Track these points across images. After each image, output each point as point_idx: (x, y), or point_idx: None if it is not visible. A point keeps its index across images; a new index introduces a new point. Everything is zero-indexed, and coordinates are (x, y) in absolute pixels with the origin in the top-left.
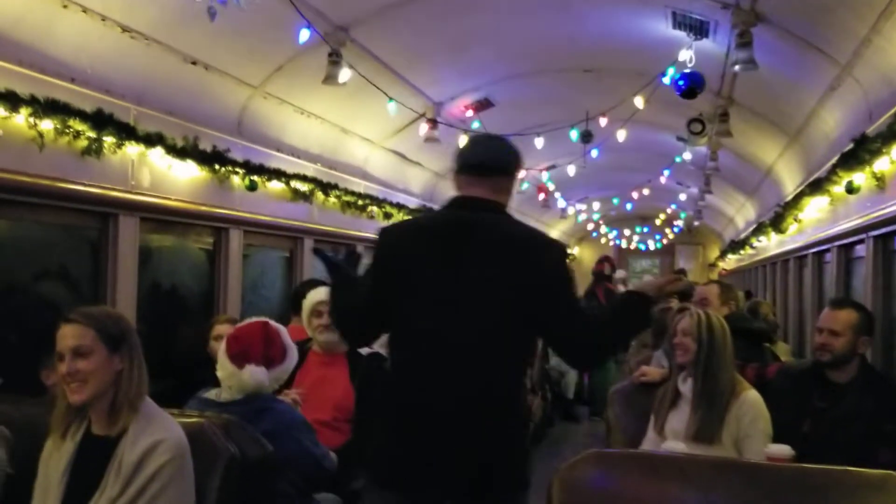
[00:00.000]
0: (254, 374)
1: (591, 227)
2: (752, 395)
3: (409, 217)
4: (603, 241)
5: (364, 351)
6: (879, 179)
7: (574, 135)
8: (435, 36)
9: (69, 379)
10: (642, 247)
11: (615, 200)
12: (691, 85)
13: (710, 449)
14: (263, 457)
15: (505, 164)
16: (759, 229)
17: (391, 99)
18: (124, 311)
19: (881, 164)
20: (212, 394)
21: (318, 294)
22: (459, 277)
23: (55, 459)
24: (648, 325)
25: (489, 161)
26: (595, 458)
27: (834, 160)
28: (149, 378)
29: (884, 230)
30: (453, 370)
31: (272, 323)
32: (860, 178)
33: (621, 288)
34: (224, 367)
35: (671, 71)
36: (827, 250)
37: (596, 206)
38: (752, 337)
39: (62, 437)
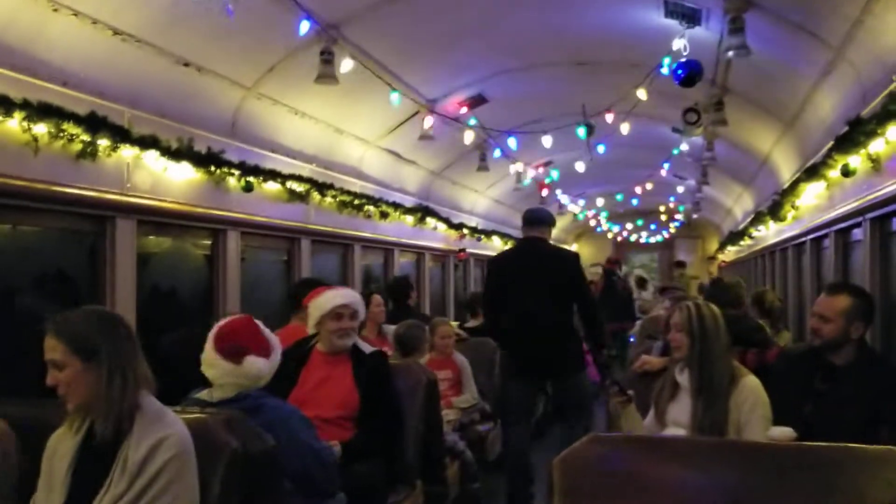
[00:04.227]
0: (255, 363)
1: (593, 222)
2: (750, 381)
3: (405, 210)
4: (609, 235)
5: (366, 349)
6: (875, 161)
7: (582, 132)
8: (425, 33)
9: (54, 388)
10: (648, 241)
11: (619, 197)
12: (690, 73)
13: None
14: (266, 450)
15: (545, 219)
16: (758, 219)
17: (394, 90)
18: (123, 313)
19: (876, 146)
20: (203, 394)
21: (338, 297)
22: (532, 275)
23: (59, 456)
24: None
25: (538, 218)
26: (595, 441)
27: (830, 144)
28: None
29: (880, 211)
30: (536, 319)
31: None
32: (856, 160)
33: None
34: (216, 366)
35: (667, 61)
36: (825, 236)
37: (600, 202)
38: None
39: (74, 431)
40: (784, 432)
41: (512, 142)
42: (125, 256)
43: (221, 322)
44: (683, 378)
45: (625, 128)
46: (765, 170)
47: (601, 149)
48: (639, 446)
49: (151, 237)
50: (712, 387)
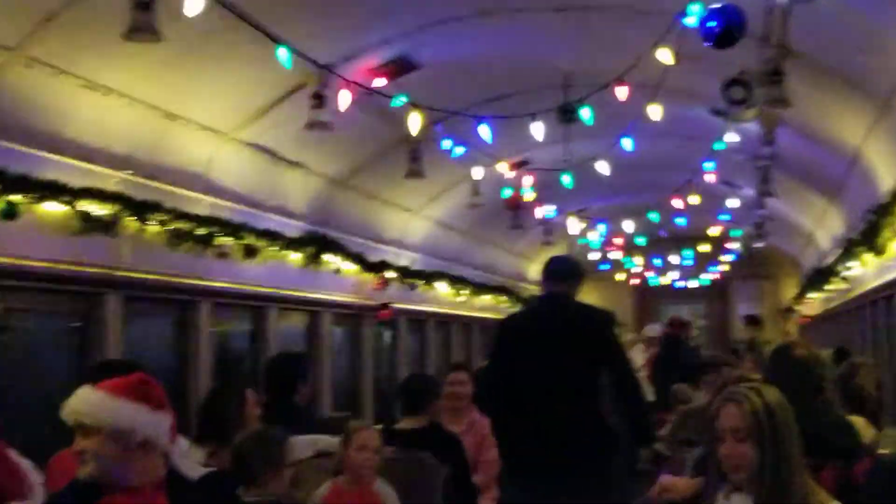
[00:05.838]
0: None
1: (597, 255)
2: None
3: (287, 243)
4: (619, 277)
5: (195, 474)
6: None
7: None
8: None
9: None
10: (684, 286)
11: (650, 215)
12: (727, 27)
13: None
14: None
15: (572, 272)
16: (849, 250)
17: (280, 44)
18: None
19: None
20: None
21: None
22: (552, 346)
23: None
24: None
25: (564, 271)
26: None
27: None
28: None
29: None
30: (554, 407)
31: None
32: None
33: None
34: None
35: (696, 7)
36: None
37: (602, 227)
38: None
39: None
40: None
41: (484, 130)
42: None
43: None
44: None
45: (654, 112)
46: (855, 172)
47: (628, 143)
48: None
49: None
50: None
